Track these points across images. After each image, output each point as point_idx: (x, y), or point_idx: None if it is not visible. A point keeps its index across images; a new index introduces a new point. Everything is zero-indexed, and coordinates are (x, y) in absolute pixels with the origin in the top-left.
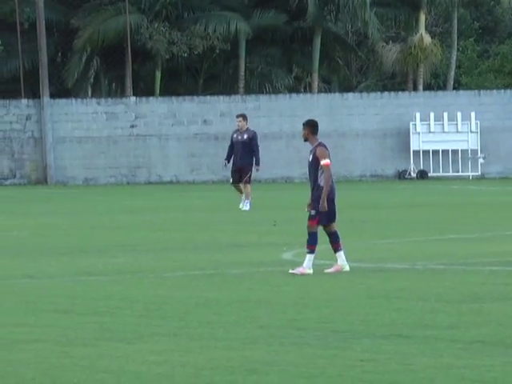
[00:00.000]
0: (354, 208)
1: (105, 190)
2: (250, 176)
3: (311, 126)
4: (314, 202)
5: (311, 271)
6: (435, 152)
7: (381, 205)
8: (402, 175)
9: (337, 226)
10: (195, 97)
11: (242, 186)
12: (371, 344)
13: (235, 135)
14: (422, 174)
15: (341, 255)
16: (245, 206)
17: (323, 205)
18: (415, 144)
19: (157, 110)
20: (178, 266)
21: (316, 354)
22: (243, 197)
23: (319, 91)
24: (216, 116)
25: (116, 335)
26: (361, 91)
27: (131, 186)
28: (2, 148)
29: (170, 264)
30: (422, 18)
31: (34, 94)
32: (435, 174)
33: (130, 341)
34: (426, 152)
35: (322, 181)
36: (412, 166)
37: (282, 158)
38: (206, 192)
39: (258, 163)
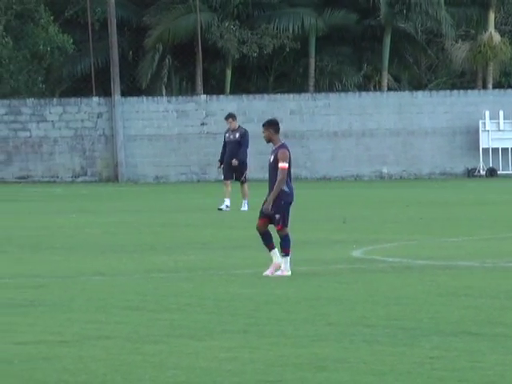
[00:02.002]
0: (423, 206)
1: (175, 188)
2: (246, 175)
3: (273, 126)
4: (274, 205)
5: (289, 273)
6: (504, 150)
7: (450, 203)
8: (471, 173)
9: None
10: (265, 95)
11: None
12: (440, 341)
13: (227, 135)
14: (492, 172)
15: (287, 260)
16: (243, 206)
17: (267, 206)
18: (484, 142)
19: (227, 107)
20: (247, 264)
21: (385, 351)
22: (245, 200)
23: (389, 89)
24: (286, 114)
25: (186, 332)
26: (430, 89)
27: (201, 183)
28: (74, 146)
29: (239, 261)
30: (492, 16)
31: (105, 92)
32: (504, 172)
33: (200, 338)
34: (495, 150)
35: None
36: (481, 164)
37: (352, 156)
38: None
39: (241, 157)
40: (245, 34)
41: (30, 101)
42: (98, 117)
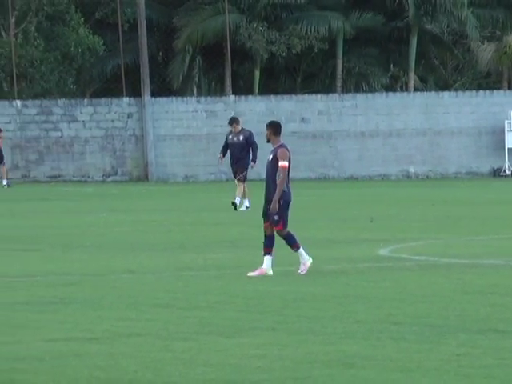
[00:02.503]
0: (449, 205)
1: (204, 187)
2: (246, 174)
3: (274, 127)
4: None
5: (271, 272)
6: None
7: (476, 202)
8: (496, 173)
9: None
10: (293, 95)
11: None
12: (467, 339)
13: (230, 136)
14: None
15: (268, 259)
16: (239, 203)
17: (274, 205)
18: (510, 142)
19: (255, 108)
20: (276, 262)
21: (412, 348)
22: (239, 197)
23: (415, 90)
24: (314, 114)
25: (216, 329)
26: (456, 90)
27: (230, 182)
28: (104, 146)
29: None
30: None
31: (136, 92)
32: None
33: (229, 335)
34: None
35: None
36: (507, 164)
37: (379, 156)
38: (303, 189)
39: (254, 160)
40: (273, 34)
41: (61, 101)
42: (128, 117)
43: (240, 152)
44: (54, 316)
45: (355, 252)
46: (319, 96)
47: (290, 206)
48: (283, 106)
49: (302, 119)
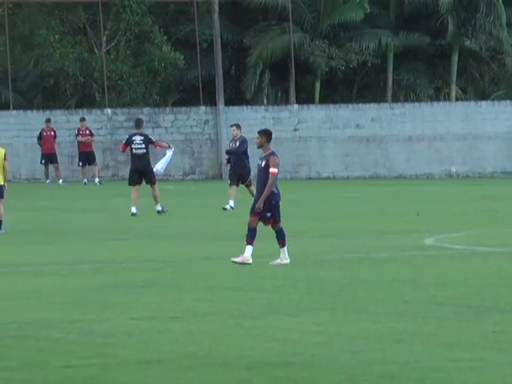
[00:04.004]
0: (486, 200)
1: None
2: (250, 179)
3: (267, 135)
4: (266, 204)
5: (288, 260)
6: None
7: (510, 198)
8: None
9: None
10: (349, 104)
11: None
12: (501, 318)
13: (231, 144)
14: None
15: (284, 250)
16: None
17: (259, 205)
18: None
19: (316, 115)
20: (335, 250)
21: (453, 326)
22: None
23: (456, 100)
24: (367, 121)
25: (281, 309)
26: (493, 100)
27: (294, 181)
28: (184, 148)
29: (327, 248)
30: None
31: (211, 102)
32: None
33: (293, 314)
34: None
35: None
36: None
37: (424, 157)
38: (358, 186)
39: (229, 152)
40: (332, 51)
41: (146, 109)
42: (204, 123)
43: (238, 158)
44: (139, 297)
45: (403, 241)
46: (372, 105)
47: (280, 203)
48: (340, 114)
49: (357, 125)
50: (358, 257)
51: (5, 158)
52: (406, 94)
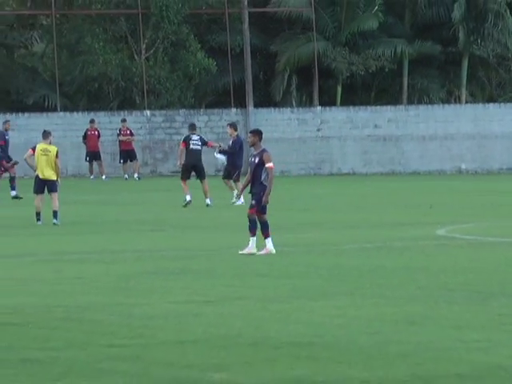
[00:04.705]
0: (494, 194)
1: (296, 180)
2: (237, 175)
3: (259, 134)
4: (256, 194)
5: (274, 251)
6: None
7: None
8: None
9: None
10: (368, 106)
11: (231, 182)
12: (507, 302)
13: (230, 143)
14: None
15: (269, 241)
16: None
17: (266, 199)
18: None
19: (337, 116)
20: (354, 240)
21: (462, 309)
22: (234, 192)
23: (466, 102)
24: (384, 122)
25: (305, 294)
26: (499, 102)
27: (317, 176)
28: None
29: (347, 238)
30: None
31: (241, 104)
32: None
33: (315, 298)
34: None
35: (265, 179)
36: None
37: (436, 155)
38: (376, 182)
39: (221, 150)
40: (353, 57)
41: (182, 111)
42: None
43: (232, 156)
44: (176, 283)
45: (417, 232)
46: (389, 107)
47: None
48: (360, 115)
49: (375, 125)
50: (376, 246)
51: (57, 156)
52: (419, 97)
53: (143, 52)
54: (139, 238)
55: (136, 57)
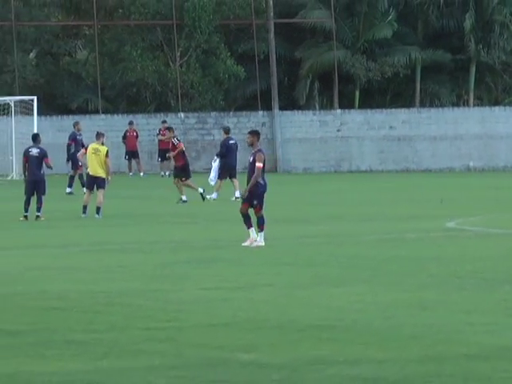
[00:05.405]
0: (499, 190)
1: (318, 177)
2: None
3: (256, 135)
4: (254, 194)
5: (263, 243)
6: None
7: None
8: None
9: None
10: (384, 109)
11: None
12: (511, 288)
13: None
14: None
15: (261, 235)
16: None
17: (245, 193)
18: None
19: (356, 119)
20: (371, 232)
21: (471, 295)
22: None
23: (474, 105)
24: (399, 123)
25: (326, 281)
26: (505, 105)
27: (337, 173)
28: (245, 146)
29: (365, 230)
30: None
31: (268, 107)
32: None
33: (336, 285)
34: None
35: (260, 177)
36: None
37: (446, 154)
38: (391, 178)
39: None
40: (370, 64)
41: (213, 114)
42: (262, 125)
43: (222, 158)
44: (207, 271)
45: (429, 224)
46: (403, 110)
47: (265, 194)
48: (376, 117)
49: (390, 127)
50: (391, 237)
51: (107, 156)
52: (431, 100)
53: (177, 59)
54: (174, 229)
55: (171, 63)
